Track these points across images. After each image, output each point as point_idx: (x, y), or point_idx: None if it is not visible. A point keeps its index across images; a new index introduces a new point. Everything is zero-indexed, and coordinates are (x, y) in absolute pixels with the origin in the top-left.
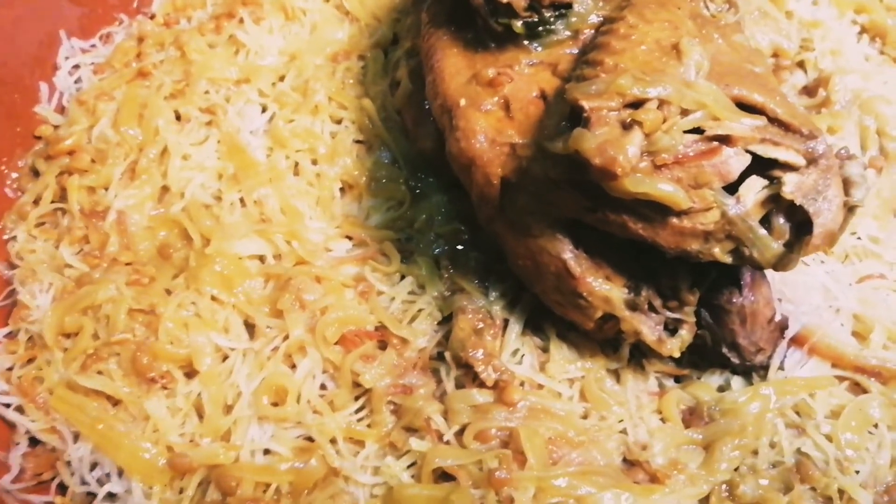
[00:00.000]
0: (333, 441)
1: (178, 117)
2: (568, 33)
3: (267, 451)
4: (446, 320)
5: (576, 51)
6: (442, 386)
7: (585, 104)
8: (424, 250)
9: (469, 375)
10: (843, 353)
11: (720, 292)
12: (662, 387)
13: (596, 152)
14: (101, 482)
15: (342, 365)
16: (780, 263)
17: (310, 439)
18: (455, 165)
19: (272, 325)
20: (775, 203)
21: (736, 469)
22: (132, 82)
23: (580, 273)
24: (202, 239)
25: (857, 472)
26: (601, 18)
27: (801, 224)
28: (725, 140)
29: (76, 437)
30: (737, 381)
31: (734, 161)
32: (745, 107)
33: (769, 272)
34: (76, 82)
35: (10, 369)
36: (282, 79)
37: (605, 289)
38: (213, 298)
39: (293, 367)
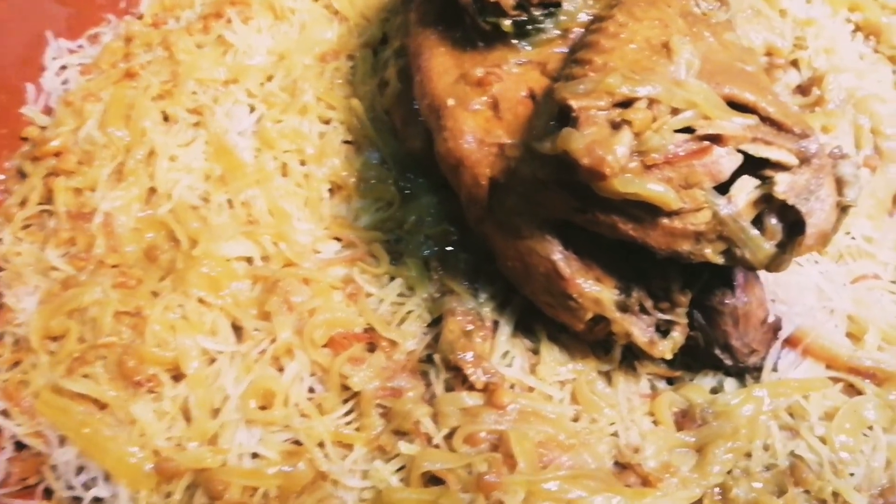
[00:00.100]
0: (321, 445)
1: (165, 118)
2: (557, 32)
3: (255, 455)
4: (436, 322)
5: (565, 50)
6: (431, 389)
7: (574, 103)
8: (414, 252)
9: (459, 378)
10: (838, 355)
11: (712, 293)
12: (654, 389)
13: (584, 152)
14: (87, 487)
15: (330, 368)
16: (773, 264)
17: (298, 443)
18: (443, 166)
19: (260, 328)
20: (767, 203)
21: (729, 472)
22: (119, 83)
23: (570, 274)
24: (189, 241)
25: (852, 474)
26: (591, 17)
27: (793, 224)
28: (716, 139)
29: (62, 441)
30: (730, 383)
31: (725, 161)
32: (737, 106)
33: (762, 273)
34: (63, 83)
35: None
36: (270, 79)
37: (595, 290)
38: (201, 301)
39: (281, 370)
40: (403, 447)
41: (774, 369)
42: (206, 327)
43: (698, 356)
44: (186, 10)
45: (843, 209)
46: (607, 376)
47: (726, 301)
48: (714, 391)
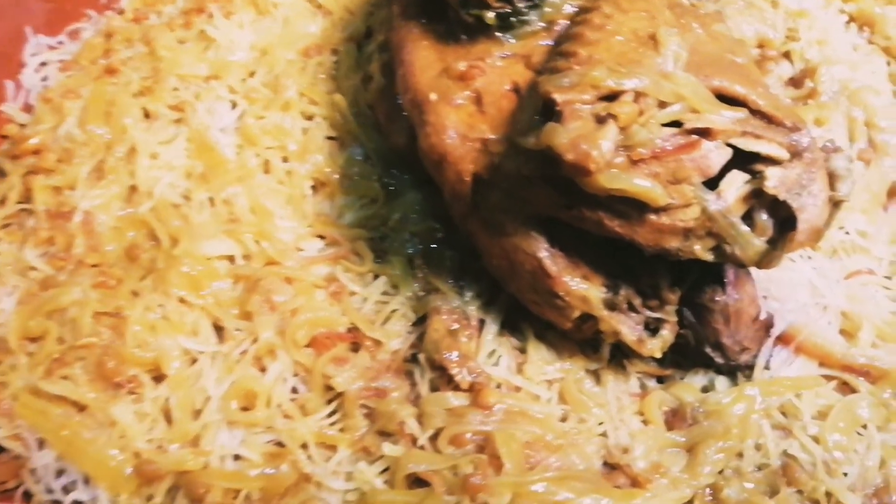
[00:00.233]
0: (305, 446)
1: (146, 115)
2: (542, 24)
3: (237, 457)
4: (420, 321)
5: (550, 42)
6: (416, 389)
7: (558, 97)
8: (398, 249)
9: (444, 378)
10: (831, 352)
11: (703, 290)
12: (644, 387)
13: (568, 147)
14: (67, 490)
15: (313, 368)
16: (764, 261)
17: (280, 444)
18: (426, 162)
19: (241, 328)
20: (758, 198)
21: (720, 472)
22: (100, 79)
23: (556, 272)
24: (170, 239)
25: (846, 474)
26: (576, 8)
27: (784, 220)
28: (705, 133)
29: (41, 444)
30: (721, 382)
31: (714, 155)
32: (726, 98)
33: (754, 269)
34: (43, 80)
35: None
36: (252, 75)
37: (582, 288)
38: (182, 300)
39: (263, 370)
40: (388, 448)
41: (766, 367)
42: (187, 327)
43: (689, 354)
44: (168, 5)
45: (835, 204)
46: (596, 375)
47: (717, 298)
48: (705, 390)
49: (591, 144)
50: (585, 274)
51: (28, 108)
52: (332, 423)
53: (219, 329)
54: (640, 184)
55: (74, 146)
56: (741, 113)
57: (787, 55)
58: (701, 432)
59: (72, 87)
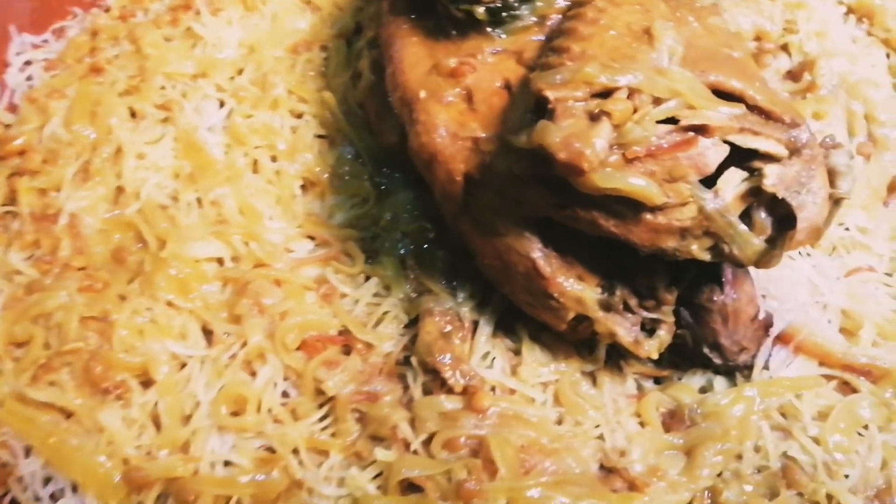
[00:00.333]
0: (296, 451)
1: (132, 115)
2: (534, 19)
3: (227, 463)
4: (413, 323)
5: (542, 37)
6: (409, 392)
7: (550, 94)
8: (390, 250)
9: (437, 381)
10: (831, 351)
11: (700, 290)
12: (641, 389)
13: (561, 146)
14: (54, 498)
15: (304, 372)
16: (762, 260)
17: (271, 450)
18: (416, 161)
19: (230, 332)
20: (756, 196)
21: (719, 475)
22: (85, 79)
23: (550, 273)
24: (158, 242)
25: (847, 476)
26: (568, 2)
27: (783, 218)
28: (702, 130)
29: (28, 451)
30: (719, 382)
31: (711, 152)
32: (723, 94)
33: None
34: (28, 79)
35: None
36: (240, 72)
37: (577, 289)
38: (169, 304)
39: (253, 374)
40: (380, 454)
41: (766, 367)
42: (176, 331)
43: (686, 355)
44: (154, 2)
45: (836, 202)
46: (592, 377)
47: (715, 298)
48: (703, 390)
49: (585, 143)
50: (580, 274)
51: (13, 108)
52: (324, 428)
53: (208, 333)
54: (636, 183)
55: (60, 147)
56: (738, 109)
57: (784, 48)
58: (699, 434)
59: (57, 87)
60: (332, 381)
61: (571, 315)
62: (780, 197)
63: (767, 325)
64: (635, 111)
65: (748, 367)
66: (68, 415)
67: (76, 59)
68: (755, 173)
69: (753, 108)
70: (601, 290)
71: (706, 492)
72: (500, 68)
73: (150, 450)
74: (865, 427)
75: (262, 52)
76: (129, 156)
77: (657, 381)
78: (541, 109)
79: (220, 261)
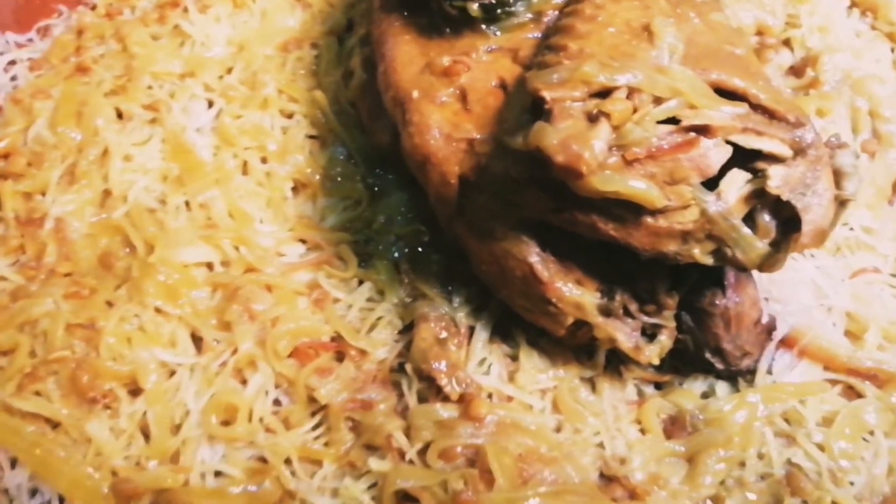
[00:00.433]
0: (288, 461)
1: (119, 115)
2: (530, 16)
3: (218, 474)
4: (407, 329)
5: (538, 35)
6: (404, 400)
7: (547, 94)
8: (383, 253)
9: (432, 389)
10: (836, 355)
11: (702, 294)
12: (642, 395)
13: (559, 149)
14: None
15: (296, 380)
16: (766, 264)
17: (263, 460)
18: (410, 163)
19: (220, 339)
20: (760, 198)
21: (721, 482)
22: (70, 79)
23: (548, 278)
24: (146, 246)
25: (852, 483)
26: None
27: (788, 221)
28: (703, 130)
29: (13, 463)
30: (722, 387)
31: (714, 153)
32: (725, 93)
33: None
34: (12, 79)
35: None
36: (229, 71)
37: (575, 294)
38: (158, 311)
39: (244, 382)
40: (375, 463)
41: (769, 372)
42: (164, 339)
43: (688, 360)
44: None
45: (841, 203)
46: (591, 383)
47: (717, 302)
48: (705, 395)
49: (583, 145)
50: (579, 279)
51: None
52: (317, 437)
53: (197, 340)
54: (636, 185)
55: (45, 149)
56: (741, 108)
57: (787, 43)
58: (701, 441)
59: (42, 87)
60: (325, 388)
61: (570, 320)
62: (784, 199)
63: (770, 328)
64: (635, 111)
65: (751, 372)
66: (55, 425)
67: (61, 58)
68: (759, 174)
69: (757, 108)
70: (600, 294)
71: (708, 500)
72: (496, 67)
73: (138, 460)
74: (871, 433)
75: (251, 51)
76: (116, 158)
77: (658, 386)
78: (537, 110)
79: (209, 266)
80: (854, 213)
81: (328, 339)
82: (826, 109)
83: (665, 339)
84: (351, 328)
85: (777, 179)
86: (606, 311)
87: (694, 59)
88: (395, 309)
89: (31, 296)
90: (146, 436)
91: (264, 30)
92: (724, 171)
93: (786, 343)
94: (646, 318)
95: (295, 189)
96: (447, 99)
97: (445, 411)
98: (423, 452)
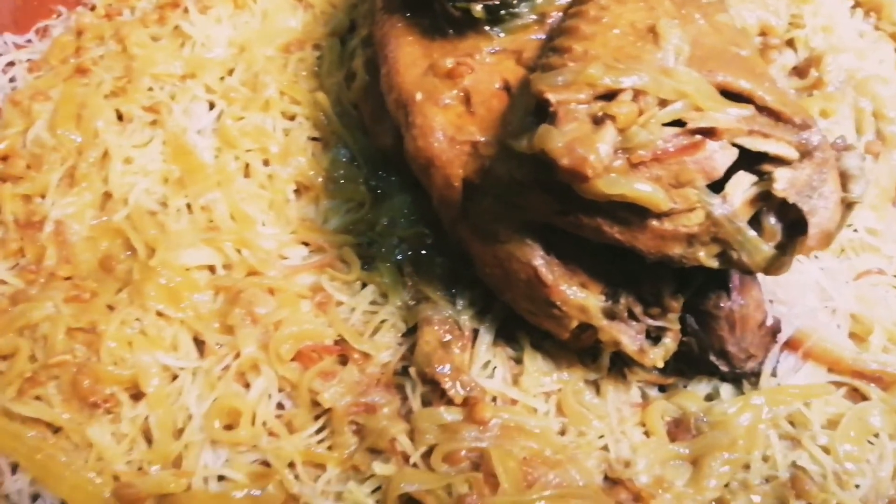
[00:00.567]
0: (292, 465)
1: (119, 117)
2: (533, 17)
3: (221, 478)
4: (411, 332)
5: (542, 36)
6: (407, 404)
7: (552, 97)
8: (387, 256)
9: (436, 392)
10: (841, 357)
11: (707, 297)
12: (646, 397)
13: (563, 152)
14: None
15: (299, 383)
16: (772, 267)
17: (266, 464)
18: (413, 166)
19: (223, 342)
20: (766, 201)
21: (726, 485)
22: (70, 80)
23: (553, 281)
24: (147, 249)
25: (857, 486)
26: None
27: (794, 224)
28: (709, 133)
29: (14, 468)
30: (726, 389)
31: (719, 156)
32: (731, 95)
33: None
34: (11, 81)
35: None
36: (230, 73)
37: (580, 297)
38: (159, 314)
39: (247, 386)
40: (379, 467)
41: (773, 374)
42: (166, 342)
43: (692, 362)
44: (141, 0)
45: (848, 206)
46: (595, 386)
47: (721, 304)
48: (709, 398)
49: (588, 148)
50: (583, 282)
51: None
52: (320, 441)
53: (199, 344)
54: (641, 188)
55: (44, 151)
56: (747, 110)
57: (790, 43)
58: (706, 444)
59: (41, 89)
60: (329, 392)
61: (574, 324)
62: (790, 202)
63: (775, 331)
64: (640, 114)
65: (755, 375)
66: (56, 430)
67: (61, 59)
68: (765, 177)
69: (763, 110)
70: (605, 297)
71: (713, 503)
72: (499, 69)
73: (140, 465)
74: (876, 435)
75: (252, 52)
76: (117, 160)
77: (662, 389)
78: (542, 112)
79: (211, 269)
80: (858, 214)
81: (331, 342)
82: (830, 110)
83: (669, 342)
84: (354, 331)
85: (783, 182)
86: (611, 314)
87: (699, 61)
88: (399, 312)
89: (31, 299)
90: (148, 440)
91: (266, 31)
92: (729, 173)
93: (790, 345)
94: (650, 321)
95: (297, 191)
96: (451, 101)
97: (449, 415)
98: (427, 456)
